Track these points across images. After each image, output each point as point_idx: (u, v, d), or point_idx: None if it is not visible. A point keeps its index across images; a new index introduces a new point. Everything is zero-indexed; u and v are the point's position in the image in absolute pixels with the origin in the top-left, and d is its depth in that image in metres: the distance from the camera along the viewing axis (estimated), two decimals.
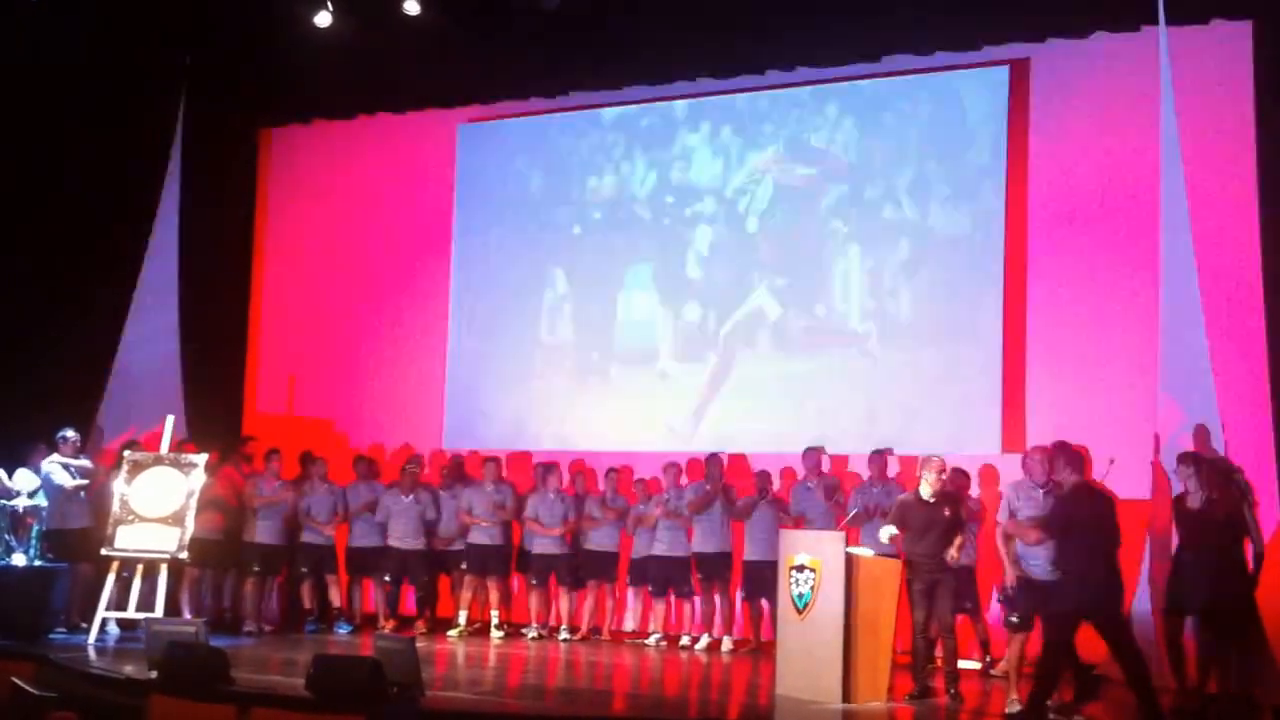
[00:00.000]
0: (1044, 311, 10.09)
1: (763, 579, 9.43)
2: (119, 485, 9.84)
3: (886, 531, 7.91)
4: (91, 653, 8.95)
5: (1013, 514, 7.59)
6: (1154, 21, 9.18)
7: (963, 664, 8.79)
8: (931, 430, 10.12)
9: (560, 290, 12.01)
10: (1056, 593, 7.12)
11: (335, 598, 10.94)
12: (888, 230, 10.70)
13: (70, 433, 10.24)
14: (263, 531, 10.69)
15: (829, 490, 9.79)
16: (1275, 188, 9.15)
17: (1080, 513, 6.99)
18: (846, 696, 7.39)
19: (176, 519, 9.73)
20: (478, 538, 10.63)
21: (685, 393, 11.31)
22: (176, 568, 9.86)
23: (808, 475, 9.94)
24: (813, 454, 9.98)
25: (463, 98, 12.40)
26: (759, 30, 10.77)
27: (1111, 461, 7.88)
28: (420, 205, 12.75)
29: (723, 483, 10.27)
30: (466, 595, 10.72)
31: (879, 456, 9.72)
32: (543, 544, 10.55)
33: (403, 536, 10.76)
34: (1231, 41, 9.47)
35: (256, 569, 10.64)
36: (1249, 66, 9.38)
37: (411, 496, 10.80)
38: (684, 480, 10.46)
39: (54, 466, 10.03)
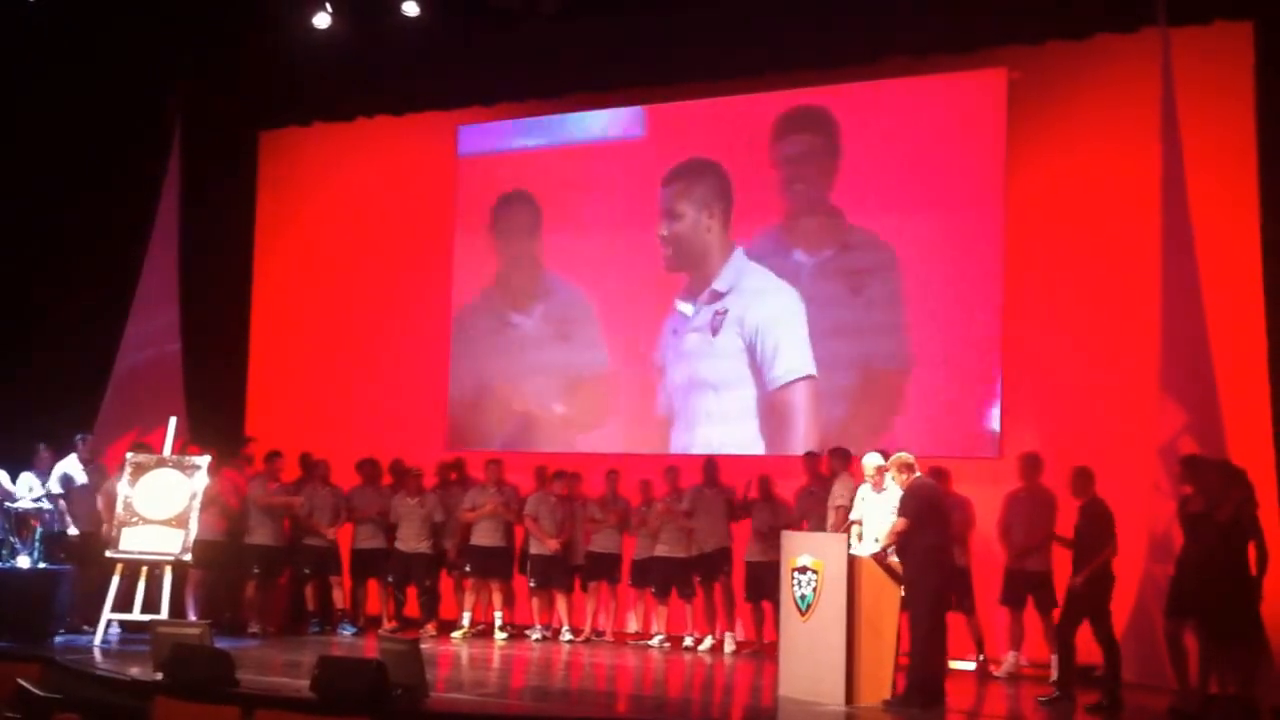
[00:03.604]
0: (1044, 314, 10.10)
1: (765, 580, 9.45)
2: (122, 487, 9.85)
3: None
4: (97, 654, 8.95)
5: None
6: (1155, 23, 9.22)
7: (958, 664, 8.85)
8: (930, 434, 10.17)
9: (562, 291, 12.01)
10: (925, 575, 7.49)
11: (339, 599, 10.95)
12: (887, 232, 10.71)
13: (88, 435, 10.41)
14: (264, 533, 10.68)
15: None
16: (1276, 188, 9.16)
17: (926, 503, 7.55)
18: (850, 698, 7.39)
19: (180, 521, 9.73)
20: (480, 539, 10.63)
21: (685, 394, 11.32)
22: (181, 570, 9.87)
23: (809, 480, 9.96)
24: (811, 459, 10.02)
25: (462, 99, 12.39)
26: (757, 33, 10.79)
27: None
28: (420, 207, 12.75)
29: (719, 485, 10.31)
30: (470, 597, 10.73)
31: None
32: (543, 545, 10.56)
33: (407, 539, 10.77)
34: (1232, 42, 9.48)
35: (258, 571, 10.64)
36: (1250, 67, 9.38)
37: (417, 499, 10.81)
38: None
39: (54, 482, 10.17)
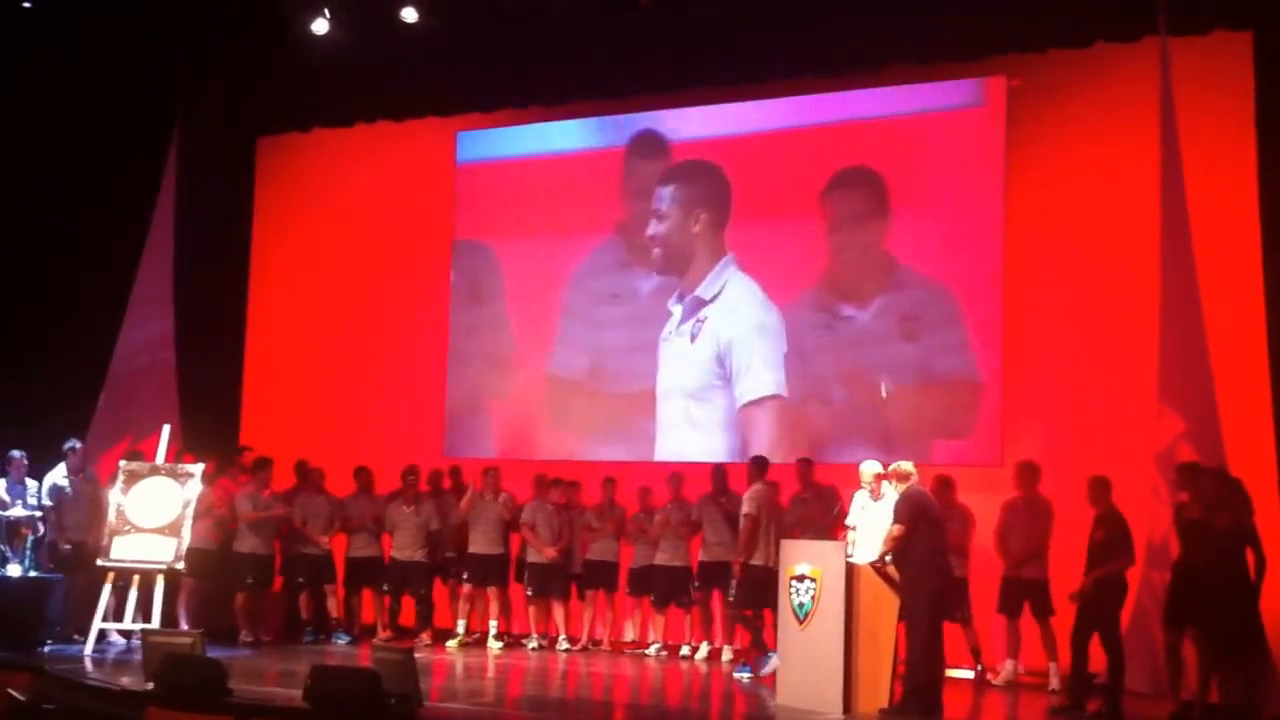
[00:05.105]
0: (1044, 321, 10.09)
1: (764, 588, 9.39)
2: (115, 495, 9.79)
3: None
4: (88, 664, 8.89)
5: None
6: (1155, 32, 9.21)
7: (956, 673, 8.81)
8: (930, 441, 10.15)
9: (561, 298, 11.98)
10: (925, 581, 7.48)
11: (333, 608, 10.89)
12: (886, 238, 10.69)
13: (78, 444, 10.32)
14: (255, 542, 10.63)
15: (826, 501, 9.76)
16: (1275, 196, 9.16)
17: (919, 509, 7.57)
18: (847, 706, 7.37)
19: (173, 529, 9.67)
20: (478, 547, 10.57)
21: (683, 399, 11.28)
22: (173, 578, 9.81)
23: (802, 487, 9.91)
24: (805, 465, 9.96)
25: (462, 105, 12.38)
26: (758, 41, 10.79)
27: None
28: (419, 213, 12.73)
29: (729, 493, 10.25)
30: (465, 606, 10.67)
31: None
32: (540, 554, 10.51)
33: (402, 547, 10.72)
34: (1232, 51, 9.49)
35: (250, 580, 10.59)
36: (1249, 76, 9.39)
37: (413, 507, 10.76)
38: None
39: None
